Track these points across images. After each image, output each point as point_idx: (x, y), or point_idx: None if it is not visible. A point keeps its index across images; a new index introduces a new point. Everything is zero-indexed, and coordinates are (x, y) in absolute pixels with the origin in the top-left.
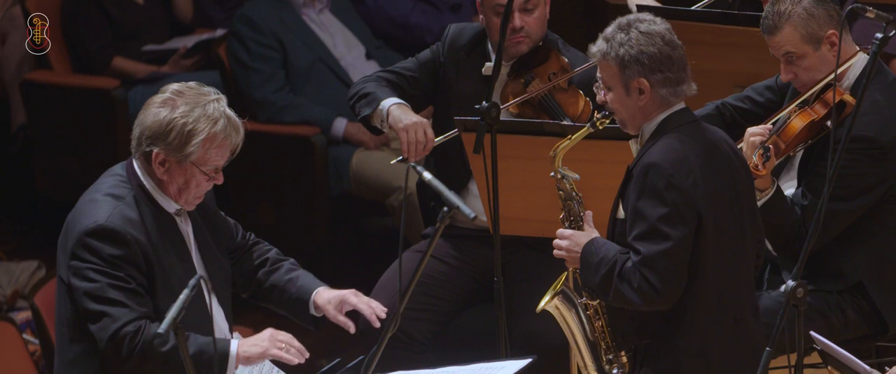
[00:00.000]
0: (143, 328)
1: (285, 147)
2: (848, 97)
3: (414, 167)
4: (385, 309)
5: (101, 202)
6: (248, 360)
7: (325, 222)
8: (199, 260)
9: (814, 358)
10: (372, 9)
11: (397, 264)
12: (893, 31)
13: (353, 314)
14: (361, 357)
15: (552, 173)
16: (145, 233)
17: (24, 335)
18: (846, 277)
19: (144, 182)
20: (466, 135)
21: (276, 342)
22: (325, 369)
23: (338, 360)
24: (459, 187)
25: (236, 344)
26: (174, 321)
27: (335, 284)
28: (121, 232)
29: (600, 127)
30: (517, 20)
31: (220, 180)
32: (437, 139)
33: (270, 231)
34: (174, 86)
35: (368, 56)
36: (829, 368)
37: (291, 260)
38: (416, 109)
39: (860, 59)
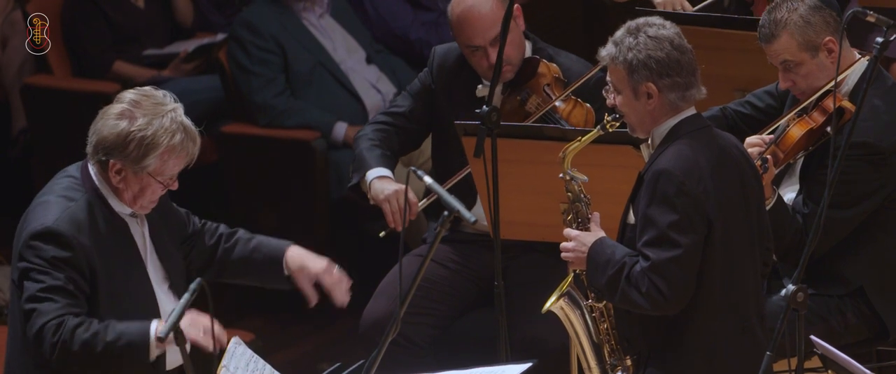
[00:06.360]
0: (65, 322)
1: (286, 151)
2: (846, 104)
3: (414, 171)
4: (345, 300)
5: (53, 204)
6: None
7: (325, 227)
8: (157, 260)
9: (814, 362)
10: (374, 21)
11: (398, 268)
12: (894, 36)
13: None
14: (362, 361)
15: (561, 175)
16: (94, 237)
17: None
18: (847, 281)
19: (99, 186)
20: (467, 139)
21: (196, 325)
22: (325, 373)
23: (338, 364)
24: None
25: (154, 327)
26: (174, 325)
27: None
28: (66, 235)
29: (610, 129)
30: (492, 56)
31: (174, 187)
32: (420, 203)
33: (271, 235)
34: (129, 95)
35: (369, 60)
36: (830, 372)
37: (241, 230)
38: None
39: (859, 65)
